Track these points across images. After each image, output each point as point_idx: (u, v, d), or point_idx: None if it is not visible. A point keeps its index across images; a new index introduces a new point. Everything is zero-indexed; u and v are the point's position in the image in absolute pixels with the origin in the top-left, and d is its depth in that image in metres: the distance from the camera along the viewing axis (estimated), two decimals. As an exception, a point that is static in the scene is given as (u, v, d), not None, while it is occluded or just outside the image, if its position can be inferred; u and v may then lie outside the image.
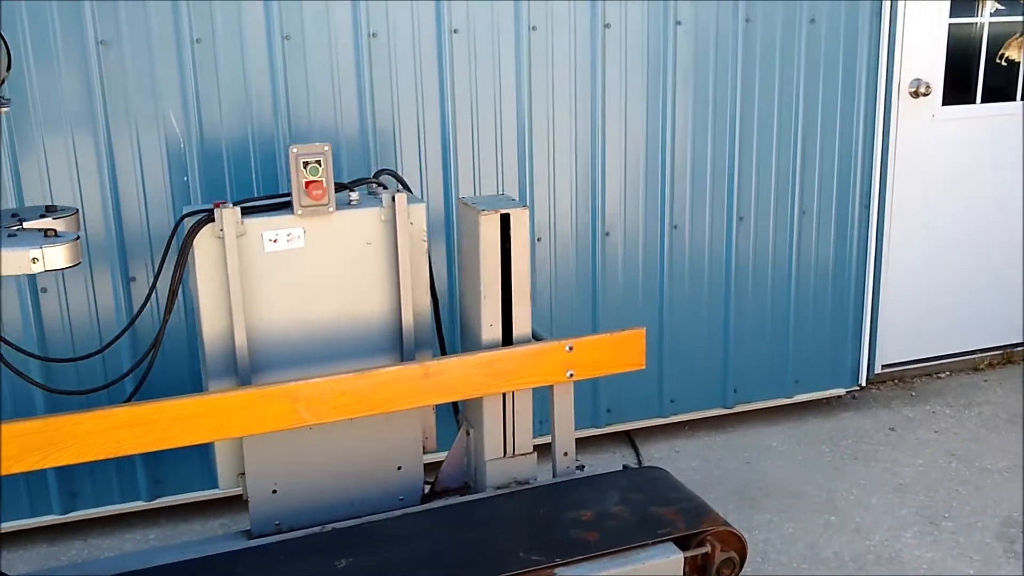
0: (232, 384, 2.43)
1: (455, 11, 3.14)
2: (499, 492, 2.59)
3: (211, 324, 2.41)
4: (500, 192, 3.28)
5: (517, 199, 2.49)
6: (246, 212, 2.40)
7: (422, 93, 3.17)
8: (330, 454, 2.56)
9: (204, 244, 2.36)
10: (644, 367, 2.66)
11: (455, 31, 3.15)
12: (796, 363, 3.88)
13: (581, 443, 3.71)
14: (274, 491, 2.53)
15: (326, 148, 2.41)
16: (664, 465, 3.12)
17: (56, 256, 2.04)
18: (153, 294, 2.59)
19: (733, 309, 3.72)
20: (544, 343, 2.54)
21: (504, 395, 2.58)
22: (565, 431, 2.66)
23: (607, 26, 3.31)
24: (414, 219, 2.54)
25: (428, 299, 2.63)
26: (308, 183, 2.39)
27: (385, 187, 2.61)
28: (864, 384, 4.04)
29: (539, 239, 3.40)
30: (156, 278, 2.57)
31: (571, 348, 2.55)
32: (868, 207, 3.84)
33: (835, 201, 3.78)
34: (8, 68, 2.24)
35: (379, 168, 2.99)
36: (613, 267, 3.54)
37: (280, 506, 2.53)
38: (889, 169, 3.95)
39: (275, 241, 2.43)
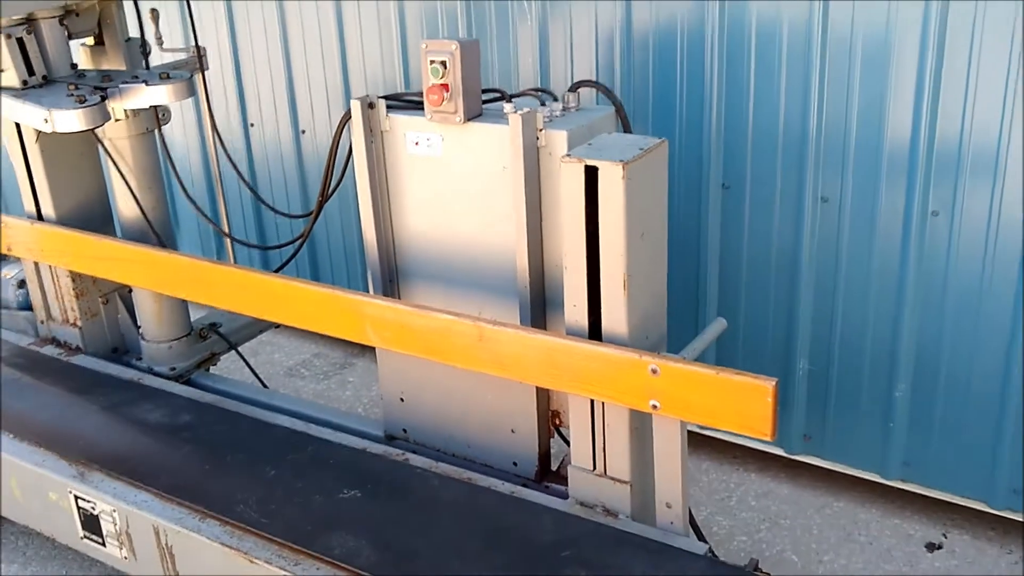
0: (380, 279, 2.36)
1: None
2: (574, 511, 2.04)
3: (365, 219, 2.33)
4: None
5: (649, 145, 1.70)
6: (395, 108, 2.23)
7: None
8: (449, 387, 2.33)
9: (359, 136, 2.26)
10: (771, 438, 1.74)
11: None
12: None
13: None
14: (401, 399, 2.45)
15: (453, 47, 2.05)
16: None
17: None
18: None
19: None
20: (621, 351, 1.84)
21: (592, 399, 1.97)
22: (669, 476, 1.92)
23: None
24: (553, 148, 2.03)
25: (567, 254, 2.09)
26: (431, 86, 2.09)
27: (546, 101, 2.10)
28: None
29: None
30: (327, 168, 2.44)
31: (656, 371, 1.80)
32: None
33: None
34: None
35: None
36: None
37: (407, 415, 2.45)
38: None
39: (417, 144, 2.22)
